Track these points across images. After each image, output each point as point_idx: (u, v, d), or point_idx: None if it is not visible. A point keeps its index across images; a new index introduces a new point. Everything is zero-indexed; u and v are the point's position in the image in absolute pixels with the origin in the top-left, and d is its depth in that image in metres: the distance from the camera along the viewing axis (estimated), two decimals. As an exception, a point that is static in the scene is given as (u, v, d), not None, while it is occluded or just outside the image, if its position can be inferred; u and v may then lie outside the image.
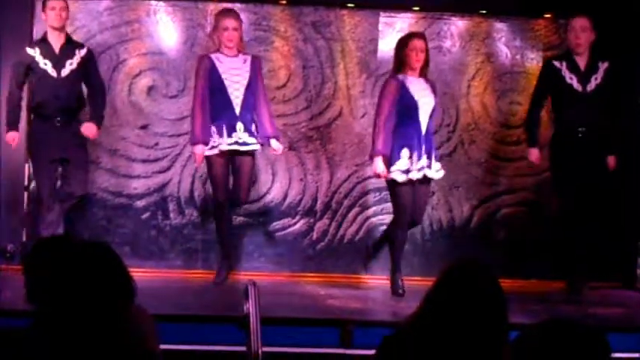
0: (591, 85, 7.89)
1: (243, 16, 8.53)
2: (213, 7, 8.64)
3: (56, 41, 7.69)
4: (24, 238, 8.41)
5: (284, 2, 8.83)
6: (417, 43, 7.67)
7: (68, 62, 7.66)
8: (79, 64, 7.70)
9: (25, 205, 8.44)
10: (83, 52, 7.78)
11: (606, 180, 8.08)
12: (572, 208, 7.86)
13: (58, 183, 7.85)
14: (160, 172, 8.72)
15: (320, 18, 8.87)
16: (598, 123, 7.88)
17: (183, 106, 8.53)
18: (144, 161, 8.72)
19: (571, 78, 7.88)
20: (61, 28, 7.74)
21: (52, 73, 7.61)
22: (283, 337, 6.08)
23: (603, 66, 7.93)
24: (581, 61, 7.92)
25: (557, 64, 7.98)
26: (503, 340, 3.06)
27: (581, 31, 7.91)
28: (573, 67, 7.91)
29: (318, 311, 7.10)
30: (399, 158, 7.57)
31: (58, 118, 7.60)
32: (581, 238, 7.92)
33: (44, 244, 3.07)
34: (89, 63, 7.81)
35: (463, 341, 3.04)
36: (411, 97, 7.63)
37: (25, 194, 8.41)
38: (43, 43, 7.68)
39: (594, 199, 7.92)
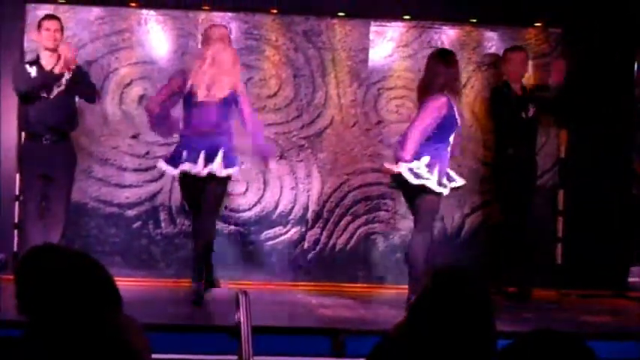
0: (530, 112, 8.47)
1: (234, 25, 8.57)
2: (204, 17, 8.65)
3: (48, 62, 7.64)
4: (15, 248, 8.40)
5: (275, 11, 8.83)
6: None
7: (57, 84, 7.61)
8: (67, 85, 7.65)
9: (16, 215, 8.43)
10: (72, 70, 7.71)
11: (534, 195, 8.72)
12: (516, 220, 8.47)
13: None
14: (151, 181, 8.72)
15: (311, 27, 8.88)
16: (534, 146, 8.63)
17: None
18: (135, 170, 8.71)
19: (516, 106, 8.47)
20: (54, 49, 7.69)
21: (43, 93, 7.58)
22: (275, 347, 6.08)
23: (536, 95, 8.59)
24: (519, 91, 8.55)
25: (505, 91, 8.55)
26: (490, 347, 3.06)
27: (521, 64, 8.58)
28: (515, 96, 8.51)
29: (310, 320, 7.10)
30: None
31: (47, 136, 7.59)
32: (520, 245, 8.48)
33: (32, 254, 3.06)
34: (78, 78, 7.73)
35: (450, 348, 3.05)
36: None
37: (16, 204, 8.39)
38: (37, 63, 7.64)
39: (526, 212, 8.52)
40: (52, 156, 7.61)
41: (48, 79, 7.54)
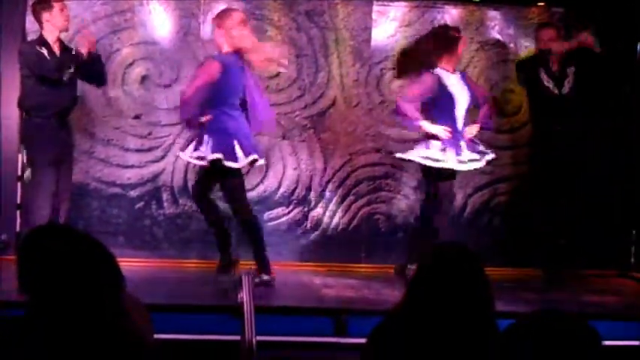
0: (565, 89, 8.20)
1: (236, 5, 8.52)
2: (205, -3, 8.63)
3: (56, 44, 7.59)
4: (17, 229, 8.39)
5: (277, -9, 8.81)
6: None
7: (72, 65, 7.57)
8: (76, 68, 7.61)
9: (18, 195, 8.42)
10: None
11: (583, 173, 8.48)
12: (567, 204, 8.26)
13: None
14: (154, 161, 8.71)
15: (313, 7, 8.85)
16: (572, 123, 8.26)
17: (176, 95, 8.49)
18: (137, 151, 8.70)
19: (548, 82, 8.18)
20: (66, 30, 7.65)
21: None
22: (277, 326, 6.08)
23: (571, 70, 8.24)
24: (553, 66, 8.23)
25: (543, 65, 8.23)
26: (487, 318, 3.07)
27: (551, 40, 8.26)
28: (548, 72, 8.21)
29: (313, 300, 7.10)
30: None
31: (56, 118, 7.54)
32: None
33: (35, 234, 3.05)
34: (94, 61, 7.68)
35: (449, 324, 3.05)
36: None
37: (19, 184, 8.38)
38: (45, 45, 7.56)
39: (573, 194, 8.34)
40: (60, 138, 7.57)
41: (70, 60, 7.48)
